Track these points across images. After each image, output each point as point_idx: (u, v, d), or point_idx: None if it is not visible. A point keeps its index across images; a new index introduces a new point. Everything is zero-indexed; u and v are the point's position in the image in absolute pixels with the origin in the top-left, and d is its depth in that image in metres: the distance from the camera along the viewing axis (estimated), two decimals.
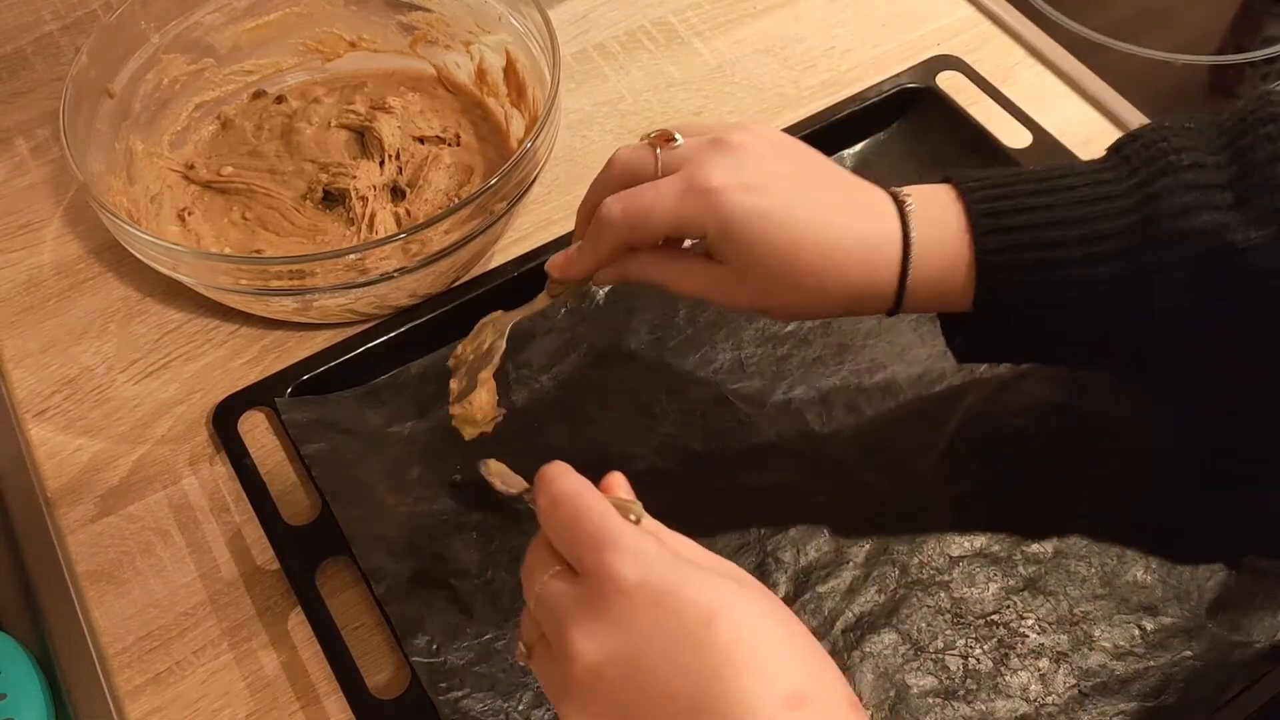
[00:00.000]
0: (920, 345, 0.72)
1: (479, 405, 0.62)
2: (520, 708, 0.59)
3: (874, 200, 0.56)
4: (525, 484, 0.52)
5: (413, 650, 0.60)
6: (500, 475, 0.58)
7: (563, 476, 0.46)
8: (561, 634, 0.43)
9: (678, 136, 0.56)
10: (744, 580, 0.45)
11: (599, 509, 0.44)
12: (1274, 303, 0.52)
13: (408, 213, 0.77)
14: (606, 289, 0.74)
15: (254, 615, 0.64)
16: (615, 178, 0.57)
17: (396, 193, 0.78)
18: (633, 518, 0.45)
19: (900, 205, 0.55)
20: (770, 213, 0.53)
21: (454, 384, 0.64)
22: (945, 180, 0.57)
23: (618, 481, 0.49)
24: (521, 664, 0.49)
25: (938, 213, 0.55)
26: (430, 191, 0.78)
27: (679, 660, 0.41)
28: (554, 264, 0.61)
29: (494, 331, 0.63)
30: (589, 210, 0.59)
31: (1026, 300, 0.55)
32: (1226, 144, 0.54)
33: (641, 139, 0.57)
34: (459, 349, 0.65)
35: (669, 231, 0.55)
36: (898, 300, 0.55)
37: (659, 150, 0.56)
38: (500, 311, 0.64)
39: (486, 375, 0.62)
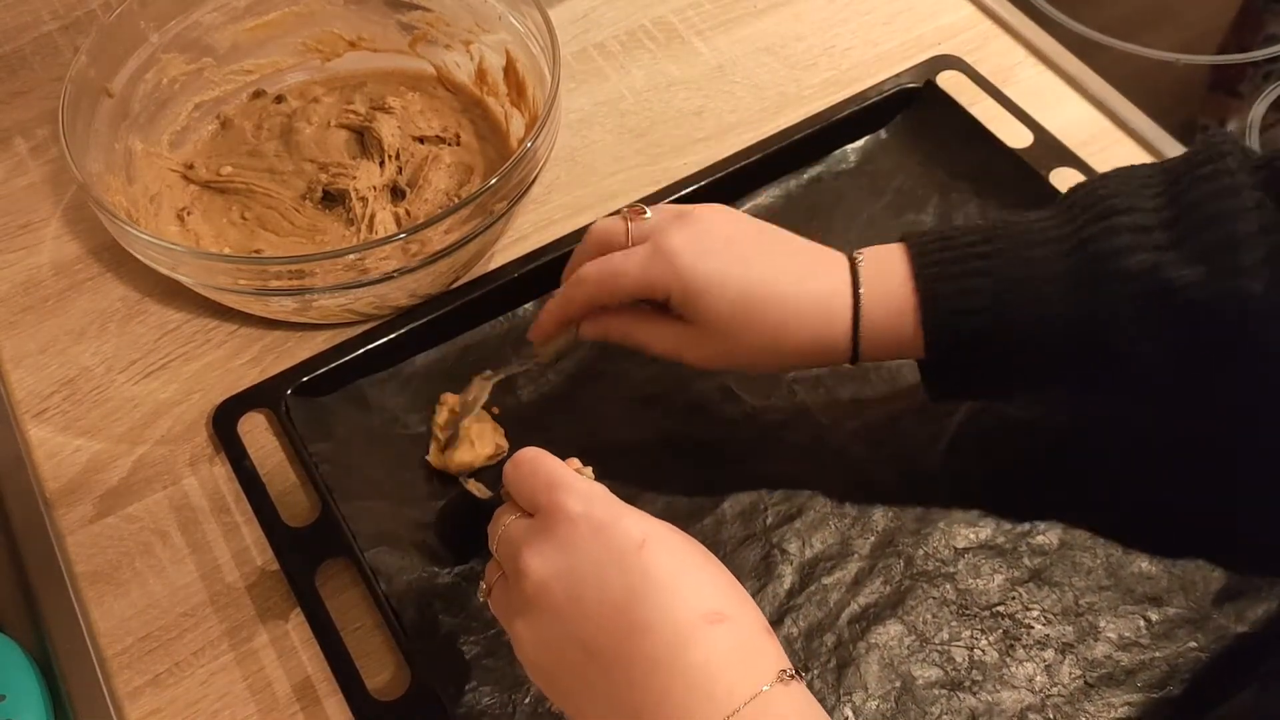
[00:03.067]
0: None
1: (457, 459, 0.66)
2: (527, 701, 0.59)
3: (825, 259, 0.60)
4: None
5: (417, 645, 0.60)
6: (476, 487, 0.65)
7: (526, 450, 0.52)
8: (516, 558, 0.49)
9: (648, 211, 0.62)
10: (677, 530, 0.50)
11: (552, 462, 0.51)
12: (1220, 333, 0.54)
13: (407, 213, 0.77)
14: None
15: (254, 616, 0.63)
16: (590, 246, 0.63)
17: (396, 193, 0.78)
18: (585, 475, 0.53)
19: (851, 262, 0.60)
20: (726, 273, 0.58)
21: (438, 429, 0.67)
22: (901, 239, 0.61)
23: (574, 461, 0.55)
24: (483, 601, 0.53)
25: (886, 266, 0.59)
26: (430, 191, 0.78)
27: (613, 577, 0.46)
28: (532, 331, 0.66)
29: (480, 386, 0.67)
30: (570, 274, 0.64)
31: (976, 343, 0.58)
32: (1165, 188, 0.56)
33: (614, 213, 0.64)
34: (448, 399, 0.68)
35: (637, 291, 0.60)
36: (854, 350, 0.59)
37: (630, 222, 0.62)
38: (490, 370, 0.68)
39: (468, 424, 0.67)
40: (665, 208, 0.63)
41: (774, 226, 0.62)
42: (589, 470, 0.54)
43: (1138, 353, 0.55)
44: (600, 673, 0.46)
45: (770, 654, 0.46)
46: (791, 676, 0.46)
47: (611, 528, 0.48)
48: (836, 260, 0.60)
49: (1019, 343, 0.57)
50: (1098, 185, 0.58)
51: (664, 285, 0.59)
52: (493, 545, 0.52)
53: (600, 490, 0.50)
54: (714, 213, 0.61)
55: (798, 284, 0.59)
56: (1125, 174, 0.59)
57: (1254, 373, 0.55)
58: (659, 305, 0.61)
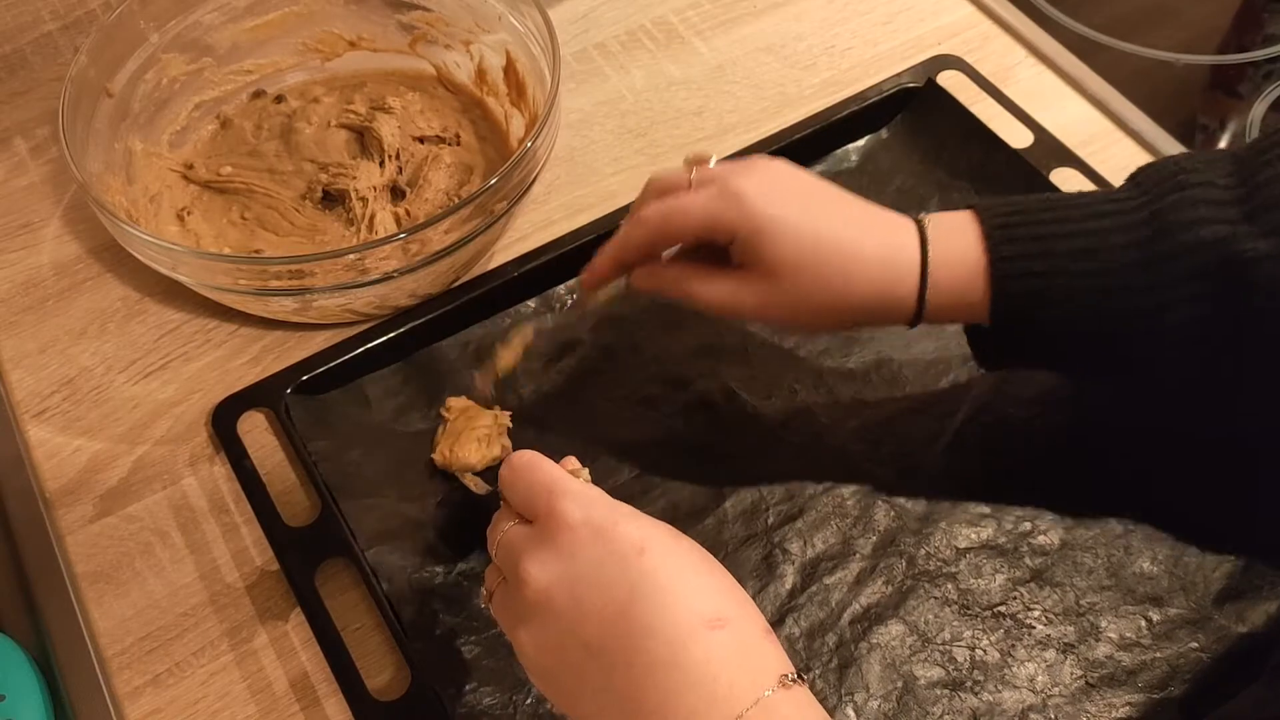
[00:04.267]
0: (926, 338, 0.72)
1: (463, 459, 0.66)
2: (529, 702, 0.59)
3: (892, 217, 0.60)
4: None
5: (417, 645, 0.60)
6: (474, 481, 0.65)
7: (522, 453, 0.52)
8: (517, 566, 0.49)
9: (712, 158, 0.60)
10: (677, 533, 0.50)
11: (550, 467, 0.51)
12: None
13: (407, 213, 0.77)
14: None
15: (254, 616, 0.63)
16: (651, 194, 0.62)
17: (396, 193, 0.78)
18: (581, 480, 0.52)
19: (918, 223, 0.59)
20: (794, 218, 0.57)
21: (443, 430, 0.68)
22: (968, 207, 0.60)
23: (570, 461, 0.55)
24: (484, 607, 0.54)
25: (954, 227, 0.59)
26: (430, 191, 0.78)
27: (614, 581, 0.47)
28: (584, 276, 0.65)
29: (520, 333, 0.70)
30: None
31: (1041, 308, 0.57)
32: (1237, 169, 0.56)
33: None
34: (454, 403, 0.69)
35: (700, 230, 0.59)
36: (919, 308, 0.58)
37: (693, 170, 0.60)
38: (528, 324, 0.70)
39: (506, 360, 0.69)
40: (728, 161, 0.61)
41: (837, 187, 0.61)
42: (585, 472, 0.54)
43: (1199, 326, 0.55)
44: (602, 674, 0.46)
45: (772, 657, 0.46)
46: (794, 680, 0.46)
47: (611, 532, 0.48)
48: (903, 220, 0.59)
49: (1084, 308, 0.56)
50: (1168, 163, 0.58)
51: (729, 225, 0.58)
52: (492, 550, 0.52)
53: (598, 494, 0.50)
54: (780, 163, 0.60)
55: (865, 236, 0.58)
56: (1193, 155, 0.58)
57: None
58: (715, 258, 0.60)
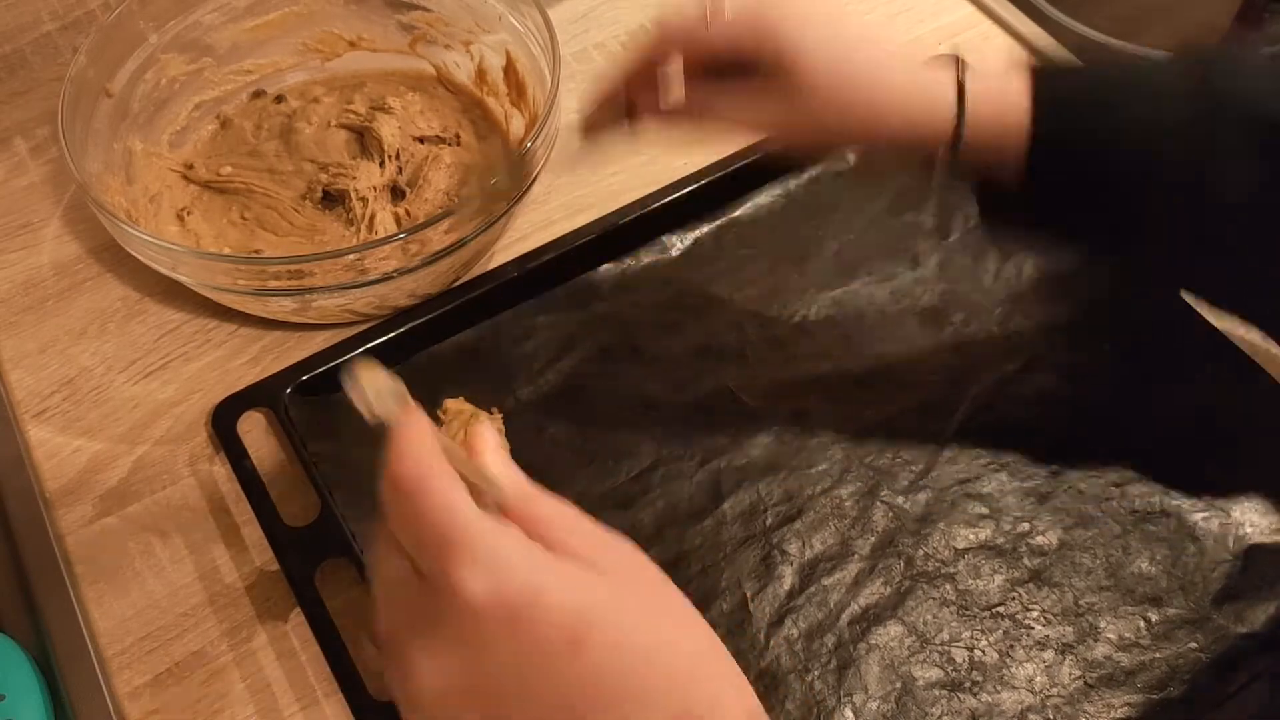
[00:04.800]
0: (926, 337, 0.72)
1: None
2: None
3: (922, 50, 0.58)
4: (394, 413, 0.40)
5: None
6: (373, 388, 0.41)
7: (406, 455, 0.38)
8: (402, 649, 0.37)
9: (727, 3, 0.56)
10: (621, 565, 0.39)
11: (444, 501, 0.37)
12: None
13: (407, 213, 0.77)
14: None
15: (253, 616, 0.63)
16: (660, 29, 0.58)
17: (396, 193, 0.78)
18: (490, 500, 0.39)
19: (954, 57, 0.56)
20: (828, 32, 0.54)
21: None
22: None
23: (484, 443, 0.42)
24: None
25: (990, 64, 0.56)
26: (430, 191, 0.78)
27: (542, 696, 0.35)
28: (589, 109, 0.61)
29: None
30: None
31: (1078, 136, 0.54)
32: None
33: None
34: (450, 405, 0.66)
35: (723, 44, 0.56)
36: (957, 131, 0.54)
37: (709, 3, 0.56)
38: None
39: None
40: None
41: None
42: (496, 484, 0.40)
43: (1246, 193, 0.52)
44: None
45: None
46: None
47: (532, 617, 0.35)
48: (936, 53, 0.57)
49: (1127, 153, 0.54)
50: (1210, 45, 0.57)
51: (754, 35, 0.54)
52: (374, 590, 0.40)
53: (510, 545, 0.37)
54: None
55: (899, 54, 0.56)
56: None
57: None
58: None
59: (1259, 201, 0.52)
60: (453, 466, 0.38)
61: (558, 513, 0.39)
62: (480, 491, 0.39)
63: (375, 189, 0.77)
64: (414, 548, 0.37)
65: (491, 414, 0.68)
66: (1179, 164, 0.53)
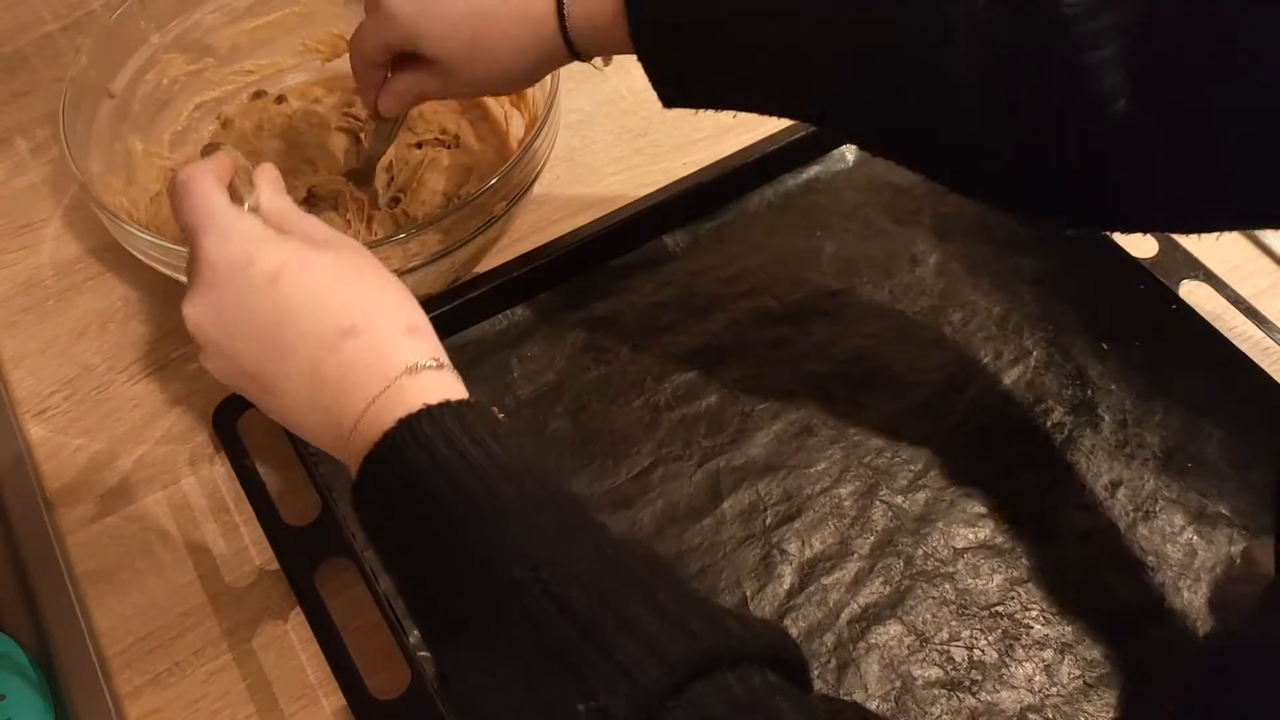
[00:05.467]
0: (925, 337, 0.72)
1: None
2: None
3: None
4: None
5: (418, 646, 0.60)
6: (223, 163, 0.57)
7: (181, 173, 0.53)
8: (183, 300, 0.51)
9: None
10: (332, 243, 0.52)
11: (202, 193, 0.52)
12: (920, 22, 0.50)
13: (405, 213, 0.77)
14: None
15: (254, 616, 0.63)
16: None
17: (392, 200, 0.78)
18: (247, 201, 0.54)
19: None
20: (443, 12, 0.60)
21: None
22: None
23: (262, 175, 0.56)
24: None
25: None
26: (426, 194, 0.78)
27: (255, 313, 0.49)
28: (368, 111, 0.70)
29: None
30: None
31: (682, 39, 0.57)
32: None
33: None
34: None
35: (379, 52, 0.64)
36: (569, 48, 0.60)
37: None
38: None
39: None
40: None
41: None
42: (256, 192, 0.54)
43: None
44: (265, 394, 0.51)
45: (404, 353, 0.48)
46: (424, 367, 0.48)
47: (246, 266, 0.50)
48: None
49: (726, 36, 0.56)
50: None
51: (393, 39, 0.62)
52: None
53: (244, 224, 0.51)
54: None
55: (501, 3, 0.60)
56: None
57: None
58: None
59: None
60: (231, 185, 0.54)
61: (299, 217, 0.54)
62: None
63: (365, 201, 0.77)
64: (183, 229, 0.52)
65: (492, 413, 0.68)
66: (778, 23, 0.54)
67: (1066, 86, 0.47)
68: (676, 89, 0.60)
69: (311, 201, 0.78)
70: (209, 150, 0.57)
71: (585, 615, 0.40)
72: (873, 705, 0.58)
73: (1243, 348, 0.70)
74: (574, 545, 0.43)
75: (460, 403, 0.47)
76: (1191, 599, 0.61)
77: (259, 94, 0.84)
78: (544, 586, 0.41)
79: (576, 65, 0.86)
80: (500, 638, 0.41)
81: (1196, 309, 0.71)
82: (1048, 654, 0.60)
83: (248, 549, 0.65)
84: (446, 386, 0.49)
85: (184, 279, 0.68)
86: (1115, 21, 0.45)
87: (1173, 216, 0.51)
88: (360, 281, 0.51)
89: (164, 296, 0.76)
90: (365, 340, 0.49)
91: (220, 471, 0.68)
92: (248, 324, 0.50)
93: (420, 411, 0.46)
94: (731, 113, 0.83)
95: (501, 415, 0.67)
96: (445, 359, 0.50)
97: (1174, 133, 0.46)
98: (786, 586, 0.62)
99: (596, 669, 0.39)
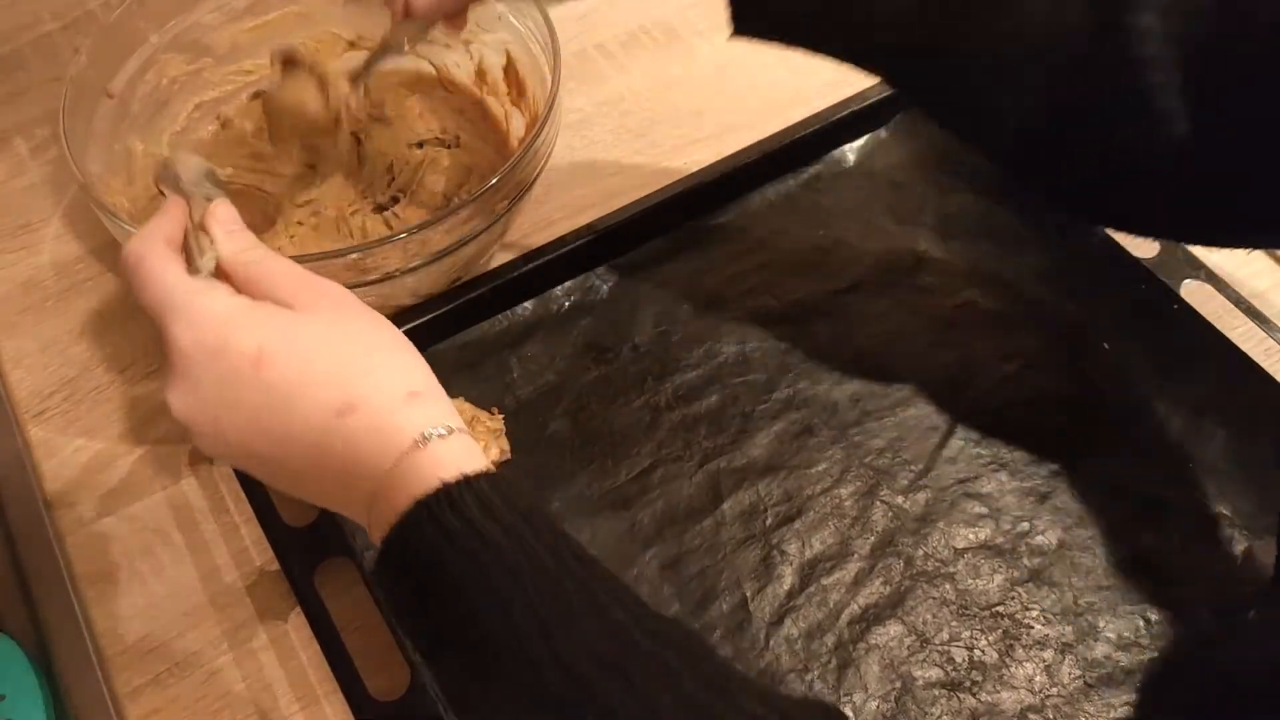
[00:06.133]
0: (926, 337, 0.72)
1: None
2: None
3: None
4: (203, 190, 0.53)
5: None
6: (186, 171, 0.55)
7: (134, 239, 0.50)
8: (163, 388, 0.48)
9: None
10: (313, 300, 0.48)
11: (156, 273, 0.48)
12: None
13: (396, 215, 0.77)
14: None
15: (253, 616, 0.63)
16: None
17: (391, 200, 0.78)
18: (202, 266, 0.50)
19: None
20: None
21: None
22: None
23: (211, 218, 0.52)
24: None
25: None
26: (426, 194, 0.78)
27: (242, 401, 0.46)
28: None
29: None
30: None
31: None
32: None
33: None
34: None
35: None
36: None
37: None
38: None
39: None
40: None
41: None
42: (210, 252, 0.50)
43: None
44: (272, 476, 0.49)
45: (407, 426, 0.45)
46: (434, 436, 0.45)
47: (224, 351, 0.46)
48: None
49: None
50: None
51: None
52: None
53: (208, 303, 0.47)
54: None
55: None
56: None
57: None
58: None
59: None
60: (186, 242, 0.51)
61: (266, 269, 0.50)
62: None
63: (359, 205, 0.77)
64: (147, 311, 0.49)
65: (492, 414, 0.68)
66: None
67: (1130, 107, 0.47)
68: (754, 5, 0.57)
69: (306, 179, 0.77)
70: (163, 172, 0.55)
71: (629, 701, 0.39)
72: (873, 706, 0.58)
73: (1244, 348, 0.70)
74: (604, 635, 0.41)
75: (479, 478, 0.44)
76: (1193, 600, 0.61)
77: (259, 94, 0.84)
78: (573, 680, 0.40)
79: (576, 63, 0.88)
80: None
81: (1198, 309, 0.71)
82: (1048, 654, 0.60)
83: (248, 549, 0.65)
84: (459, 455, 0.45)
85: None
86: (1178, 44, 0.46)
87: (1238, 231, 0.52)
88: (349, 347, 0.48)
89: None
90: (364, 417, 0.46)
91: (220, 472, 0.68)
92: (237, 413, 0.47)
93: (438, 492, 0.44)
94: (733, 112, 0.84)
95: (502, 416, 0.67)
96: (455, 420, 0.47)
97: (1230, 153, 0.47)
98: (787, 587, 0.62)
99: None
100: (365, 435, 0.45)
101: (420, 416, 0.46)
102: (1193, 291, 0.72)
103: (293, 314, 0.48)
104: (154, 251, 0.49)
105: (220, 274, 0.50)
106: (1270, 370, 0.69)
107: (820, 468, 0.67)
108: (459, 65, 0.84)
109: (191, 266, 0.50)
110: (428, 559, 0.43)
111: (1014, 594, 0.62)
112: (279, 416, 0.46)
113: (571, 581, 0.42)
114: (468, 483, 0.44)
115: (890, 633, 0.61)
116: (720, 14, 0.87)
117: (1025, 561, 0.63)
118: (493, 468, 0.46)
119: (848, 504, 0.65)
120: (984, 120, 0.54)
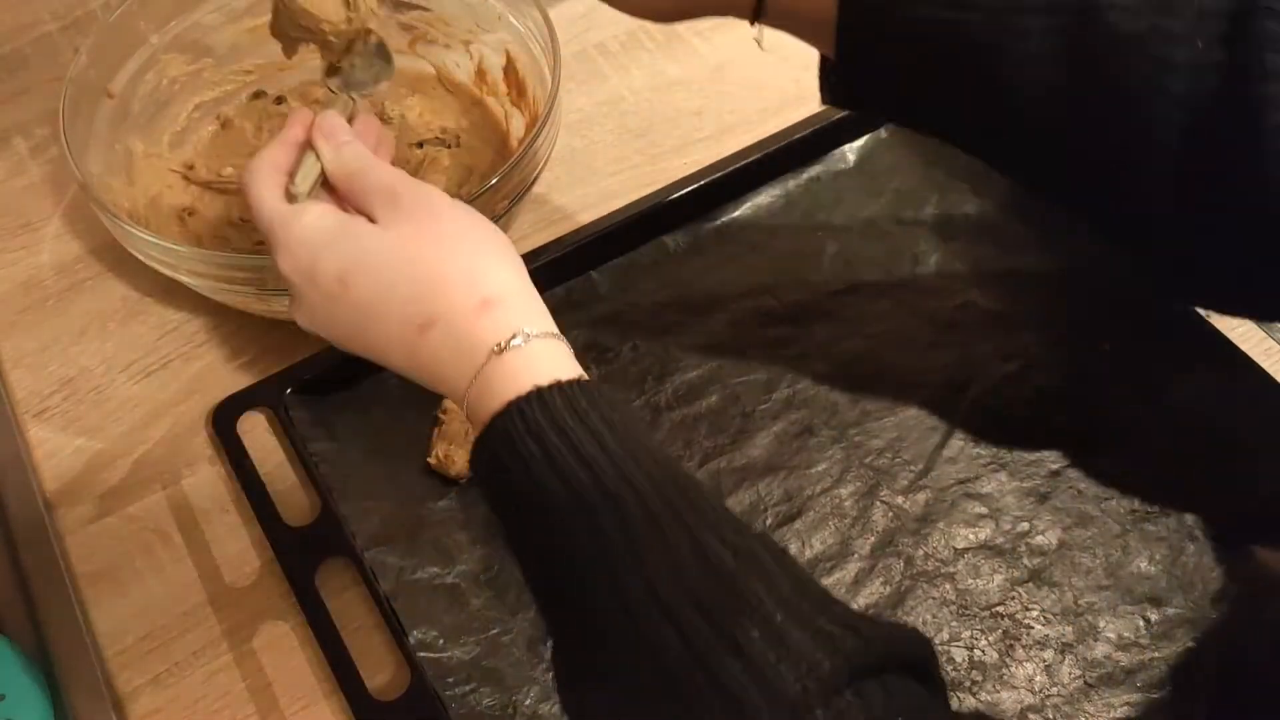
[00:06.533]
0: (926, 337, 0.72)
1: (458, 464, 0.66)
2: (528, 702, 0.59)
3: None
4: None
5: (418, 646, 0.60)
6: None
7: (250, 163, 0.55)
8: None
9: None
10: (404, 213, 0.51)
11: (257, 200, 0.54)
12: (1133, 70, 0.49)
13: None
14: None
15: (254, 616, 0.63)
16: None
17: None
18: (298, 187, 0.54)
19: None
20: None
21: (439, 433, 0.68)
22: None
23: (320, 131, 0.55)
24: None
25: None
26: None
27: (338, 317, 0.51)
28: None
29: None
30: None
31: (888, 26, 0.53)
32: None
33: None
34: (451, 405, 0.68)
35: None
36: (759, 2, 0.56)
37: None
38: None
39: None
40: None
41: None
42: (300, 182, 0.54)
43: (1050, 65, 0.50)
44: (400, 373, 0.51)
45: (481, 334, 0.48)
46: (507, 345, 0.47)
47: (314, 276, 0.51)
48: None
49: (935, 39, 0.52)
50: None
51: None
52: None
53: (297, 231, 0.52)
54: None
55: None
56: None
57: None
58: None
59: (1062, 79, 0.50)
60: (302, 157, 0.55)
61: (364, 181, 0.53)
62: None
63: None
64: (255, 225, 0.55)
65: None
66: (989, 32, 0.51)
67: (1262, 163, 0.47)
68: (867, 75, 0.55)
69: None
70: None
71: (709, 633, 0.38)
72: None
73: (1244, 348, 0.70)
74: (695, 552, 0.41)
75: (568, 384, 0.45)
76: (1193, 600, 0.61)
77: (259, 94, 0.84)
78: (663, 608, 0.40)
79: (576, 63, 0.88)
80: (623, 659, 0.41)
81: (1197, 309, 0.71)
82: (1048, 654, 0.60)
83: (248, 549, 0.65)
84: (543, 359, 0.47)
85: (183, 278, 0.69)
86: None
87: None
88: (428, 260, 0.50)
89: (164, 296, 0.76)
90: (441, 332, 0.48)
91: (220, 472, 0.68)
92: (338, 326, 0.51)
93: (528, 396, 0.45)
94: (732, 112, 0.84)
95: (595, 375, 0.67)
96: (537, 324, 0.48)
97: None
98: None
99: (738, 682, 0.37)
100: (446, 350, 0.48)
101: (495, 326, 0.48)
102: None
103: (375, 231, 0.51)
104: (258, 177, 0.54)
105: (329, 185, 0.55)
106: (1270, 370, 0.69)
107: (820, 468, 0.67)
108: (459, 65, 0.84)
109: (291, 188, 0.54)
110: (518, 468, 0.44)
111: (1014, 594, 0.62)
112: (373, 332, 0.50)
113: (666, 498, 0.42)
114: (559, 388, 0.45)
115: None
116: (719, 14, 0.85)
117: (1025, 561, 0.63)
118: (584, 374, 0.47)
119: (848, 504, 0.65)
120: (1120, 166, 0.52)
